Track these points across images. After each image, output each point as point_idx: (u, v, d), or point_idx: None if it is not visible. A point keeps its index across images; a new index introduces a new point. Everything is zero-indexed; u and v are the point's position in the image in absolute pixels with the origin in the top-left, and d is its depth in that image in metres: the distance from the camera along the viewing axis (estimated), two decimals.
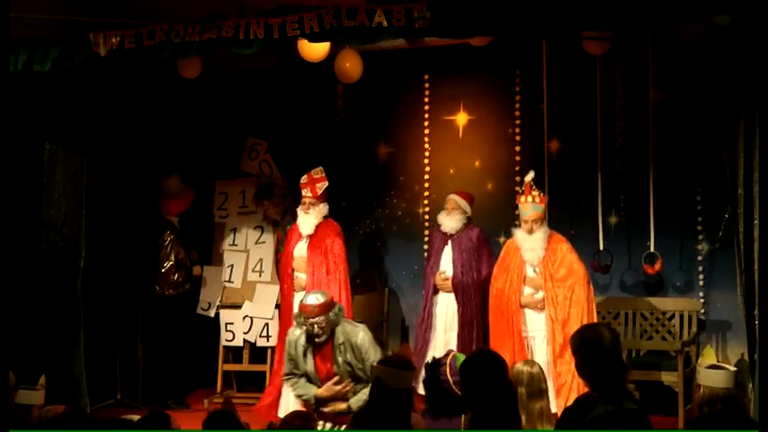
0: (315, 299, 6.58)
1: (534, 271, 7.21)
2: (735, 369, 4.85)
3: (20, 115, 7.17)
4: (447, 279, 7.61)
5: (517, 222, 7.56)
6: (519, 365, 5.31)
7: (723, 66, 6.15)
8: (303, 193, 7.79)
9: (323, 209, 7.79)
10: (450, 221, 7.68)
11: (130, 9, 6.86)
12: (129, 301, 8.56)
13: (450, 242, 7.68)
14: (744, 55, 5.71)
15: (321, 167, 7.87)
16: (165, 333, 8.40)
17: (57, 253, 7.86)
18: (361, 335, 6.62)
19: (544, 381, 5.26)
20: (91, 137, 8.19)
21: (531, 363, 5.41)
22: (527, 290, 7.21)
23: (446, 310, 7.63)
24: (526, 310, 7.17)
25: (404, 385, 4.57)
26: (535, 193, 7.22)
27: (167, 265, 8.41)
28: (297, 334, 6.71)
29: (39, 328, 7.56)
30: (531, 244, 7.17)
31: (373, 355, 6.50)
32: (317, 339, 6.56)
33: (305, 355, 6.63)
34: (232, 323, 8.64)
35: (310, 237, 7.76)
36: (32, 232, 7.70)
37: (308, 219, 7.78)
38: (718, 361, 5.15)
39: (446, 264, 7.66)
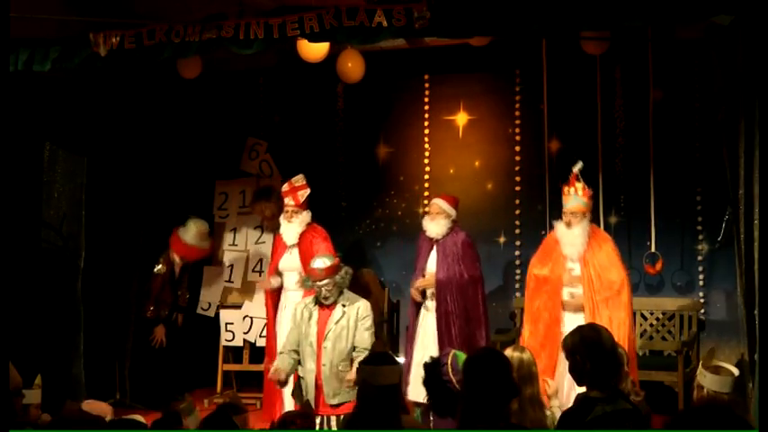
0: (321, 263, 6.66)
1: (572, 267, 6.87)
2: (738, 373, 4.82)
3: (20, 115, 7.16)
4: (419, 288, 7.46)
5: (517, 221, 7.53)
6: (508, 351, 5.27)
7: (723, 66, 6.14)
8: (285, 202, 7.72)
9: (305, 216, 7.71)
10: (434, 227, 7.46)
11: (133, 9, 6.85)
12: (127, 302, 8.55)
13: (435, 246, 7.51)
14: (744, 55, 5.71)
15: (302, 174, 7.76)
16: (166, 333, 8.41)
17: (56, 253, 7.86)
18: (365, 304, 6.71)
19: (534, 365, 5.23)
20: (91, 137, 8.19)
21: (521, 348, 5.39)
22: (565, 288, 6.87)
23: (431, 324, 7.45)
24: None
25: (390, 381, 4.56)
26: (579, 184, 6.86)
27: (150, 296, 8.36)
28: (307, 301, 6.79)
29: (38, 328, 7.56)
30: (569, 239, 6.82)
31: (369, 326, 6.58)
32: (324, 301, 6.64)
33: (310, 317, 6.65)
34: (232, 323, 8.64)
35: (298, 246, 7.67)
36: (32, 232, 7.70)
37: (292, 228, 7.70)
38: (737, 362, 5.08)
39: (431, 269, 7.49)
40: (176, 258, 8.40)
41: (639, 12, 5.68)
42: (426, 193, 8.82)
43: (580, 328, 4.46)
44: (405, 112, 8.94)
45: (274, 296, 7.86)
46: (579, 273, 6.81)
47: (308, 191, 7.69)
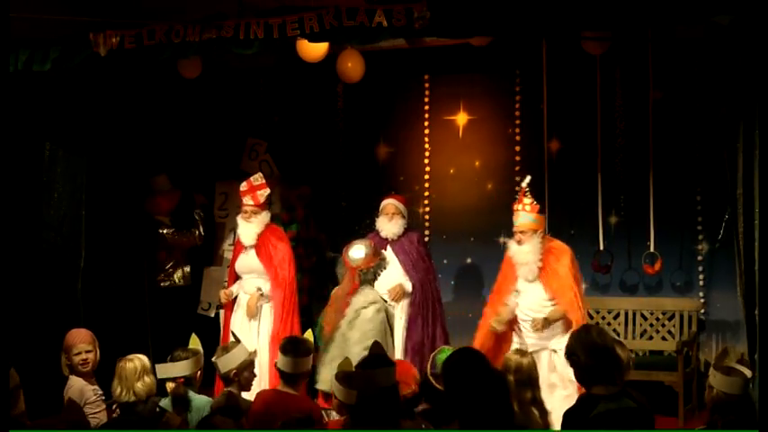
0: (358, 253, 6.57)
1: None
2: (750, 373, 4.80)
3: (20, 115, 7.16)
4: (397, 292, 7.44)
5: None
6: (509, 354, 5.32)
7: (723, 66, 6.15)
8: (243, 201, 7.48)
9: (265, 217, 7.49)
10: (392, 227, 7.54)
11: (140, 6, 6.86)
12: (131, 301, 8.55)
13: (388, 247, 7.56)
14: (744, 55, 5.71)
15: (260, 173, 7.64)
16: (166, 333, 8.40)
17: (57, 253, 7.85)
18: None
19: (535, 369, 5.22)
20: (91, 137, 8.18)
21: (522, 352, 5.40)
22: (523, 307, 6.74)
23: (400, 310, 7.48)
24: (519, 321, 6.76)
25: (387, 382, 4.57)
26: (527, 200, 6.71)
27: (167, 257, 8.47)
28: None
29: (38, 327, 7.56)
30: (521, 258, 6.67)
31: None
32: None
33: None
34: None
35: (257, 247, 7.45)
36: (32, 232, 7.70)
37: (250, 228, 7.45)
38: (736, 362, 5.01)
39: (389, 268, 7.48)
40: (163, 218, 8.51)
41: (639, 12, 5.69)
42: (426, 193, 8.83)
43: (575, 331, 4.52)
44: (405, 112, 8.94)
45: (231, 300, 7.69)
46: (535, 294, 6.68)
47: (267, 191, 7.49)
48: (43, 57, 6.83)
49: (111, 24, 6.62)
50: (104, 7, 6.84)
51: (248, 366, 5.65)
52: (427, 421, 4.88)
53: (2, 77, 6.14)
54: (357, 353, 6.19)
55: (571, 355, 4.31)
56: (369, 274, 6.72)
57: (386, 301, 7.00)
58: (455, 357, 4.20)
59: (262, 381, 6.95)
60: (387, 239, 7.60)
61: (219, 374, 5.66)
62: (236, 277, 7.62)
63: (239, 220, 7.55)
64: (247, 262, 7.48)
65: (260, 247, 7.45)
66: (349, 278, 6.77)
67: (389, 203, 7.70)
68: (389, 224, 7.58)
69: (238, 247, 7.62)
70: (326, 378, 6.58)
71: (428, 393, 5.00)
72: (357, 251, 6.72)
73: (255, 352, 5.92)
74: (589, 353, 4.22)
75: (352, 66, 7.73)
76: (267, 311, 7.43)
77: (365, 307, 6.74)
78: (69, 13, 6.69)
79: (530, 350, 6.55)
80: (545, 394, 6.22)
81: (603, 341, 4.28)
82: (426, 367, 5.15)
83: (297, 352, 5.61)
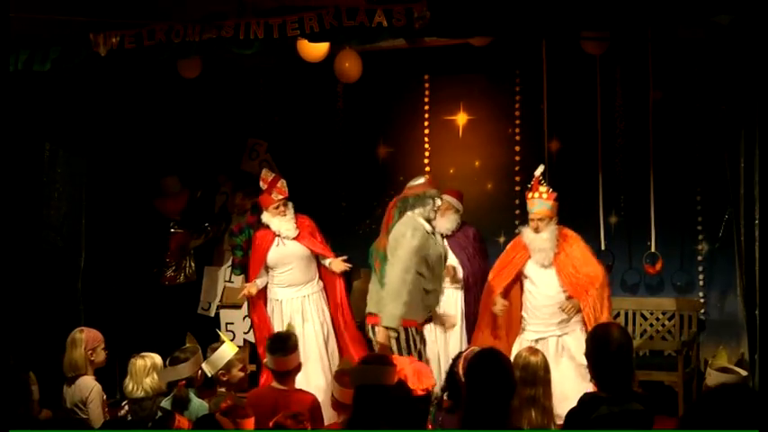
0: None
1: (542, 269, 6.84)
2: (746, 374, 4.82)
3: (20, 115, 7.17)
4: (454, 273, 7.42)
5: (517, 221, 7.54)
6: (521, 351, 5.33)
7: (723, 66, 6.16)
8: (273, 197, 7.44)
9: (291, 206, 7.54)
10: (445, 222, 7.48)
11: (140, 6, 6.87)
12: (132, 301, 8.55)
13: (445, 242, 7.58)
14: (744, 55, 5.71)
15: (266, 169, 7.67)
16: (166, 333, 8.41)
17: (57, 253, 7.86)
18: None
19: (542, 370, 5.20)
20: (91, 137, 8.19)
21: (534, 350, 5.40)
22: (544, 293, 6.82)
23: (454, 307, 7.49)
24: (531, 308, 6.84)
25: (381, 381, 4.57)
26: (543, 188, 6.81)
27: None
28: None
29: (38, 327, 7.56)
30: (538, 244, 6.76)
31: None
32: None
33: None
34: (232, 323, 8.65)
35: (297, 238, 7.50)
36: (32, 232, 7.70)
37: (287, 220, 7.47)
38: (737, 362, 5.07)
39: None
40: (176, 218, 8.55)
41: (639, 12, 5.70)
42: None
43: (595, 327, 4.50)
44: (405, 112, 8.94)
45: (260, 292, 7.63)
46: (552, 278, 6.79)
47: (283, 180, 7.52)
48: (43, 57, 6.84)
49: (111, 24, 6.62)
50: (104, 7, 6.84)
51: (236, 365, 5.65)
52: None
53: (2, 77, 6.14)
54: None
55: (590, 354, 4.28)
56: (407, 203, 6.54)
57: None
58: (480, 357, 4.20)
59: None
60: (441, 235, 7.48)
61: (212, 377, 5.68)
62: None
63: (272, 218, 7.47)
64: (290, 252, 7.45)
65: (300, 235, 7.49)
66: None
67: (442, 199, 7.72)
68: (442, 219, 7.40)
69: (266, 243, 7.52)
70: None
71: (452, 389, 5.04)
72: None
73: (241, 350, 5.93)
74: (597, 354, 4.20)
75: (349, 66, 7.73)
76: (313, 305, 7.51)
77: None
78: (69, 13, 6.69)
79: (537, 337, 6.70)
80: (560, 379, 6.22)
81: (617, 344, 4.24)
82: (458, 364, 5.12)
83: (285, 350, 5.62)
